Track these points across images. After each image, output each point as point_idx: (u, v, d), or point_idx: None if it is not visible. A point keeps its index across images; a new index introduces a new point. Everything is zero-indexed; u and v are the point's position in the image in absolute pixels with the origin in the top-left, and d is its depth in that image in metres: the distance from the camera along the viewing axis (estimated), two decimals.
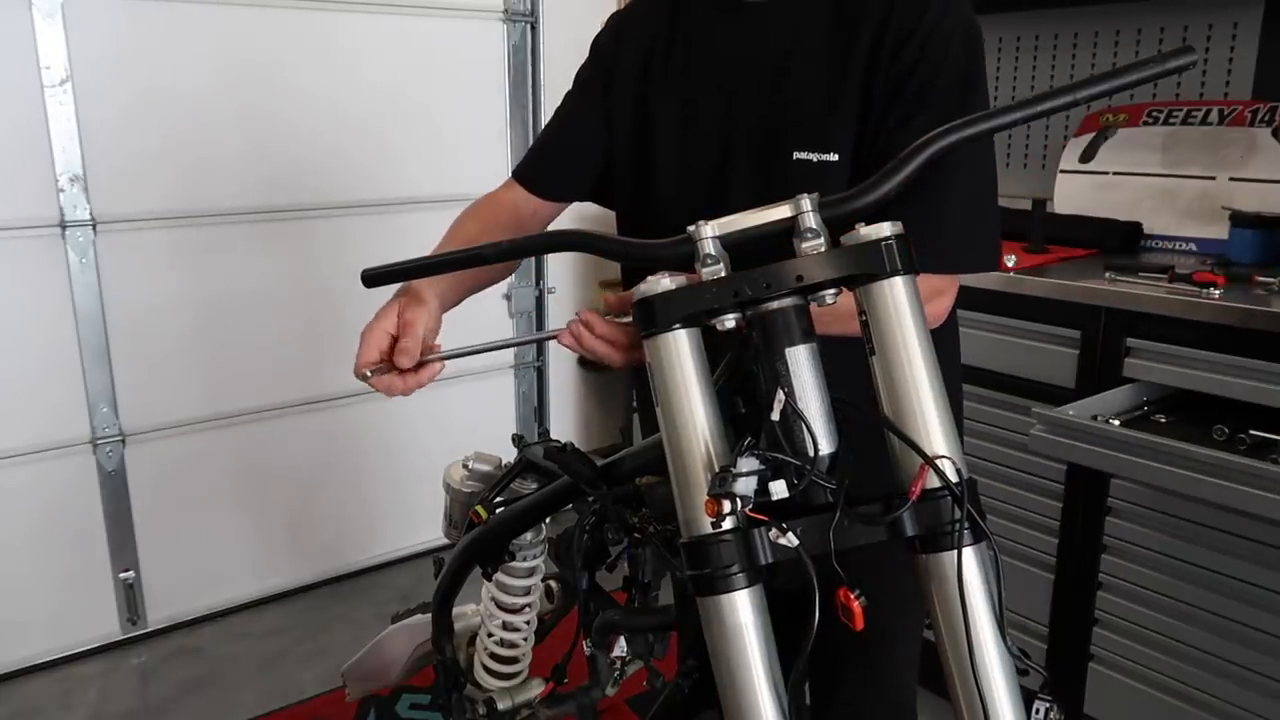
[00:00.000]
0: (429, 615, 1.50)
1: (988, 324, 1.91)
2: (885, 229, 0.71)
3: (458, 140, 2.83)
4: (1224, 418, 1.53)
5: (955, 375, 1.28)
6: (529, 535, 1.36)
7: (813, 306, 0.73)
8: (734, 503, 0.68)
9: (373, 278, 0.92)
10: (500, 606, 1.42)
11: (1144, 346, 1.69)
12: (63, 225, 2.26)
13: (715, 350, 0.77)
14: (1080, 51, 2.37)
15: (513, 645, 1.44)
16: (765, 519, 0.70)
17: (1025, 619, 1.94)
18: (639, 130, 1.21)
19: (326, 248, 2.66)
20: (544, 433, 2.51)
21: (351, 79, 2.62)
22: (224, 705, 2.28)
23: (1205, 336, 1.60)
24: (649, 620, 1.14)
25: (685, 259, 0.75)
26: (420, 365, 0.97)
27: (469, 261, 0.88)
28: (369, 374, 0.96)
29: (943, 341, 1.19)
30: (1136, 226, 2.12)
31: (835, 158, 1.06)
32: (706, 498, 0.69)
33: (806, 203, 0.72)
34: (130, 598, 2.51)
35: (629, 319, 0.85)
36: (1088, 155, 2.26)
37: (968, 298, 1.33)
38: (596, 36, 1.29)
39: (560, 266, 3.15)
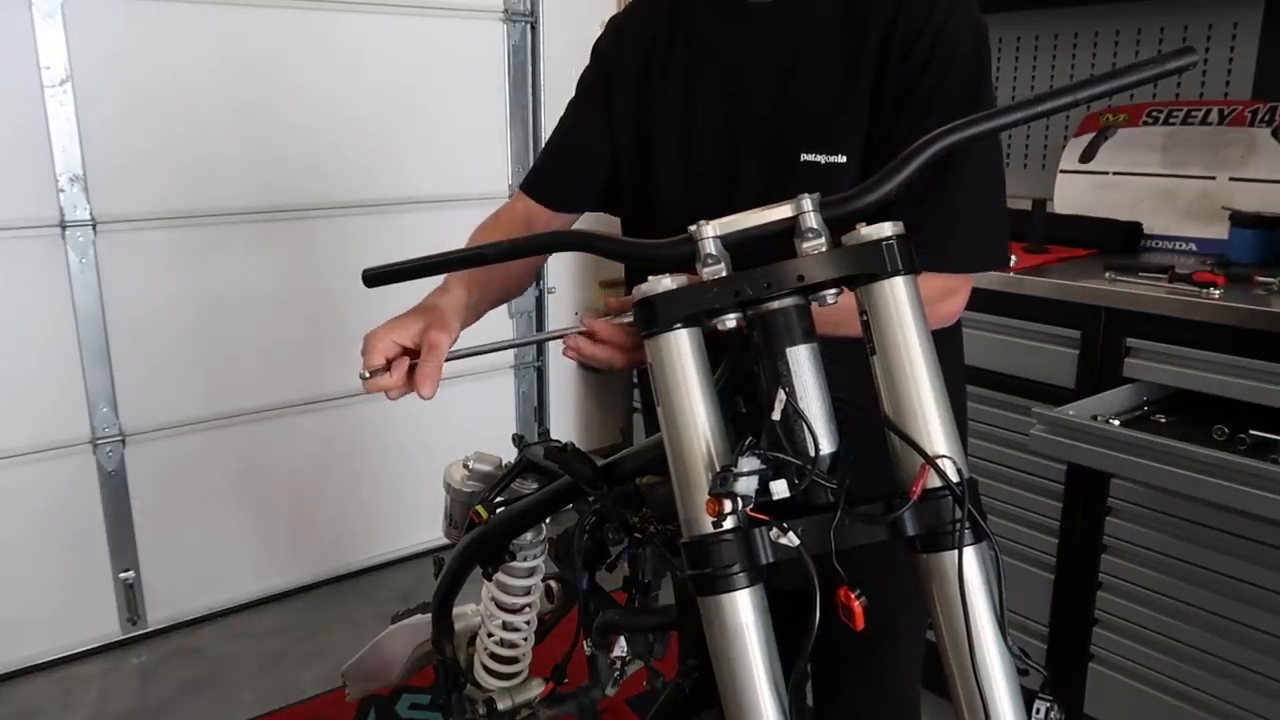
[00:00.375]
0: (429, 615, 1.50)
1: (988, 324, 1.91)
2: (886, 229, 0.71)
3: (457, 140, 2.83)
4: (1224, 418, 1.53)
5: (959, 375, 1.28)
6: (529, 535, 1.36)
7: (814, 308, 0.74)
8: (735, 502, 0.68)
9: (373, 277, 0.91)
10: (500, 606, 1.42)
11: (1144, 346, 1.69)
12: (63, 225, 2.26)
13: (716, 350, 0.77)
14: (1080, 51, 2.37)
15: (513, 645, 1.44)
16: (766, 519, 0.70)
17: (1025, 619, 1.94)
18: (640, 133, 1.21)
19: (326, 248, 2.66)
20: (544, 433, 2.51)
21: (351, 79, 2.62)
22: (224, 705, 2.28)
23: (1205, 336, 1.60)
24: (649, 620, 1.14)
25: (686, 259, 0.75)
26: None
27: (470, 261, 0.88)
28: (368, 375, 0.96)
29: (948, 342, 1.20)
30: (1136, 226, 2.13)
31: (844, 159, 1.06)
32: (707, 497, 0.69)
33: (807, 202, 0.72)
34: (130, 598, 2.51)
35: (630, 319, 0.85)
36: (1088, 155, 2.26)
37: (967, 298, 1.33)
38: (597, 41, 1.28)
39: (560, 267, 3.15)
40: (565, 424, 3.32)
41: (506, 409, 3.16)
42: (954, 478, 0.69)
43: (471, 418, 2.93)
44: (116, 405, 2.41)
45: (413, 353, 0.96)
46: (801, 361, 0.72)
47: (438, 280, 1.09)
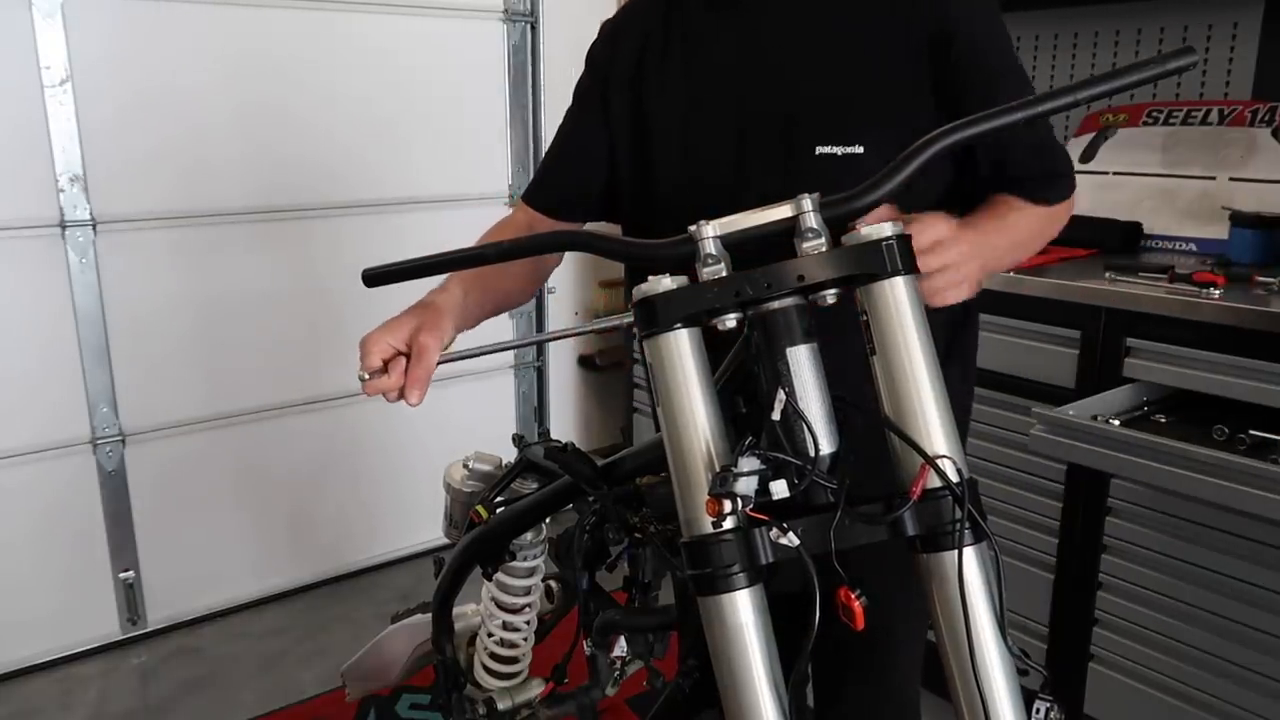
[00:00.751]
0: (429, 615, 1.50)
1: (988, 324, 1.88)
2: (886, 229, 0.71)
3: (457, 140, 2.83)
4: (1224, 418, 1.53)
5: (971, 361, 1.28)
6: (529, 535, 1.36)
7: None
8: (735, 502, 0.68)
9: (373, 277, 0.91)
10: (500, 606, 1.42)
11: (1144, 346, 1.69)
12: (63, 225, 2.26)
13: (716, 350, 0.77)
14: (1080, 51, 2.37)
15: (513, 645, 1.44)
16: (766, 519, 0.70)
17: (1025, 619, 1.94)
18: (638, 131, 1.20)
19: (326, 248, 2.66)
20: (544, 433, 2.51)
21: (351, 79, 2.61)
22: (224, 705, 2.28)
23: (1205, 336, 1.60)
24: (649, 620, 1.14)
25: (686, 259, 0.75)
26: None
27: (471, 261, 0.88)
28: (367, 378, 0.96)
29: (966, 327, 1.21)
30: (1136, 226, 2.12)
31: (860, 150, 1.04)
32: (707, 497, 0.69)
33: (807, 202, 0.72)
34: (130, 598, 2.51)
35: (628, 317, 0.85)
36: (1088, 155, 2.26)
37: None
38: (591, 46, 1.28)
39: (560, 267, 3.12)
40: (565, 424, 3.32)
41: (506, 409, 3.16)
42: (954, 478, 0.69)
43: (471, 418, 2.93)
44: (116, 405, 2.41)
45: (407, 354, 0.97)
46: (801, 361, 0.72)
47: (438, 281, 1.09)
